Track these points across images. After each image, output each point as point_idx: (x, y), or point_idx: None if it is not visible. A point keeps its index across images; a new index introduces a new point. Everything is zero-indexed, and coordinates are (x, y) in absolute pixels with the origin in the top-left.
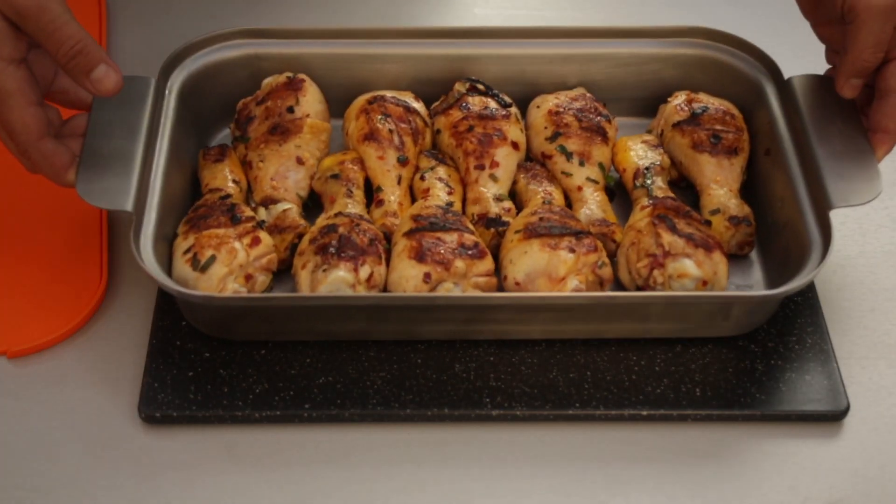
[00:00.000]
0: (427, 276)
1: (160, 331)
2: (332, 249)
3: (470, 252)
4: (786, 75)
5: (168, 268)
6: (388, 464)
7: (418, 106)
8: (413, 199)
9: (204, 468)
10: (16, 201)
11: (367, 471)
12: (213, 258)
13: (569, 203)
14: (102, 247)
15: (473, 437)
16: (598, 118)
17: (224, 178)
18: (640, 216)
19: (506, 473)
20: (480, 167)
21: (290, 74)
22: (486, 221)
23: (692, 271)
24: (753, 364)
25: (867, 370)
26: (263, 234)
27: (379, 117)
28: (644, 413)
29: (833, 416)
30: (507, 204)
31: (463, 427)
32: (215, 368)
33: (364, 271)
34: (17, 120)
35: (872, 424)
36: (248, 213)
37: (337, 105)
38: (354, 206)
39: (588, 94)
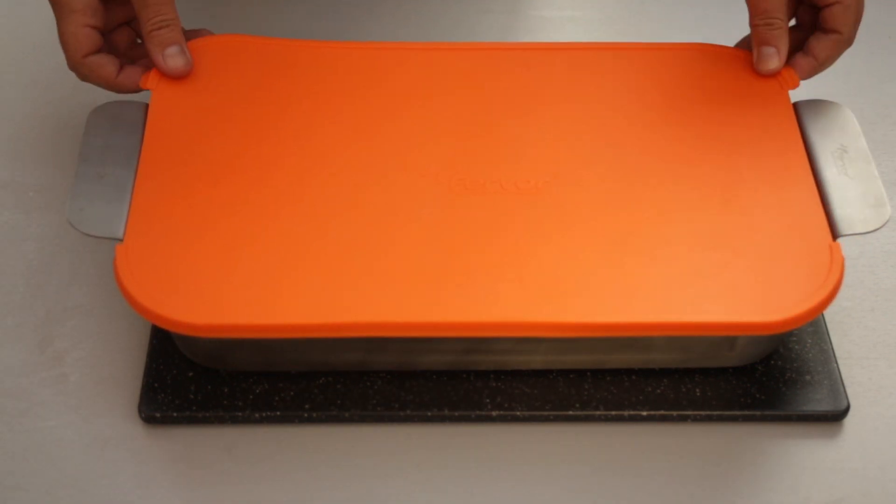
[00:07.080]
0: None
1: (160, 331)
2: None
3: None
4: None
5: None
6: (388, 464)
7: None
8: None
9: (204, 468)
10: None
11: (367, 471)
12: None
13: None
14: None
15: (473, 437)
16: None
17: None
18: None
19: (506, 473)
20: None
21: None
22: None
23: None
24: (753, 364)
25: (867, 370)
26: None
27: None
28: (644, 413)
29: (833, 416)
30: None
31: (463, 427)
32: (215, 369)
33: None
34: (70, 34)
35: (872, 424)
36: None
37: None
38: None
39: None
